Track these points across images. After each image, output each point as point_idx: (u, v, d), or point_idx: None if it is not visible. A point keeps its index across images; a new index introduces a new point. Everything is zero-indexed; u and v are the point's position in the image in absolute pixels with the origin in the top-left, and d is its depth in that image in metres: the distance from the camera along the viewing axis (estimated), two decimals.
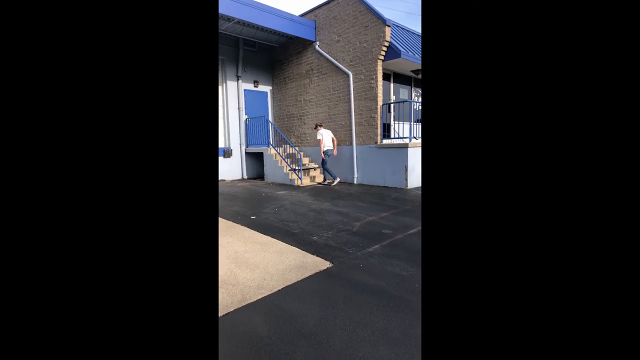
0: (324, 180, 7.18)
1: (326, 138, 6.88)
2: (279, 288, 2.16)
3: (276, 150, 7.66)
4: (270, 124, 8.15)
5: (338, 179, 7.00)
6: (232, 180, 8.23)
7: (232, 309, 1.89)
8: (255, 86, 8.83)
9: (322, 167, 7.00)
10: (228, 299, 2.01)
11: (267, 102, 9.22)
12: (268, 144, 7.91)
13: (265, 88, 9.12)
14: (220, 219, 4.08)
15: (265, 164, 7.96)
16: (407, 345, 1.52)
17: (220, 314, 1.84)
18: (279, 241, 3.15)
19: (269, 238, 3.26)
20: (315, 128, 7.15)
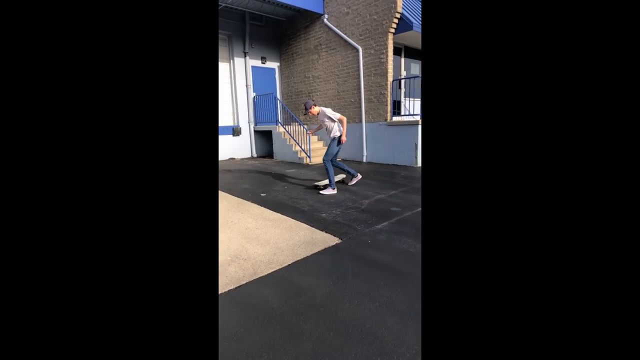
0: (350, 178, 4.78)
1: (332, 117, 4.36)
2: (289, 263, 2.23)
3: (285, 129, 7.62)
4: (278, 101, 8.06)
5: (359, 176, 4.81)
6: (242, 159, 8.29)
7: (244, 282, 1.97)
8: (262, 63, 8.68)
9: (333, 164, 4.47)
10: (240, 273, 2.09)
11: (275, 79, 9.08)
12: (276, 122, 7.86)
13: (273, 64, 8.95)
14: (231, 196, 4.15)
15: (274, 142, 7.96)
16: (412, 317, 1.57)
17: (232, 287, 1.92)
18: (289, 218, 3.21)
19: (279, 215, 3.32)
20: (307, 111, 4.46)
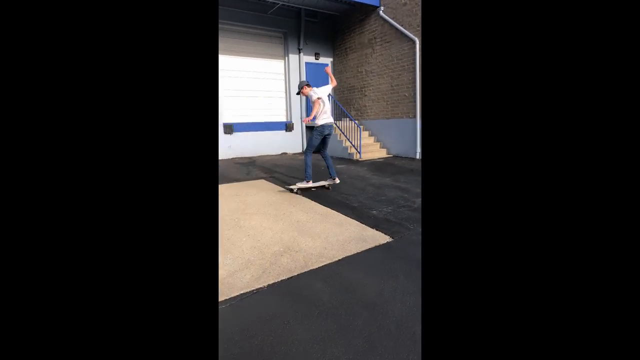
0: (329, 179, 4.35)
1: (325, 103, 4.12)
2: (339, 258, 2.23)
3: (335, 124, 7.64)
4: (330, 96, 8.09)
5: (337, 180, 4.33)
6: (293, 154, 8.51)
7: (295, 274, 2.03)
8: (316, 59, 8.76)
9: (307, 155, 4.19)
10: (292, 264, 2.15)
11: (327, 75, 9.12)
12: None
13: (326, 60, 8.99)
14: (283, 190, 4.28)
15: None
16: None
17: (284, 277, 1.98)
18: (339, 213, 3.21)
19: (329, 210, 3.35)
20: (299, 92, 4.29)
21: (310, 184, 4.17)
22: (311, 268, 2.10)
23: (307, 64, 8.60)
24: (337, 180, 4.31)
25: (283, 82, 8.56)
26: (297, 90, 4.33)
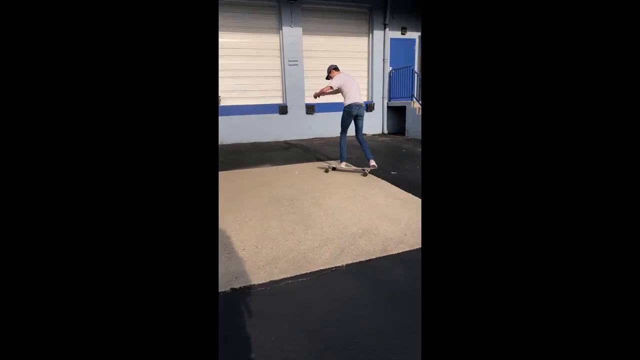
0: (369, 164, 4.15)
1: (350, 85, 4.07)
2: (420, 246, 2.13)
3: (420, 104, 7.16)
4: (416, 74, 7.58)
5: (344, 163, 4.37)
6: (372, 135, 8.33)
7: (374, 257, 2.01)
8: (402, 33, 8.24)
9: (340, 136, 4.43)
10: (370, 247, 2.13)
11: (414, 51, 8.53)
12: (411, 97, 7.46)
13: (414, 35, 8.39)
14: (360, 172, 4.25)
15: (407, 118, 7.63)
16: None
17: (363, 259, 1.98)
18: (421, 200, 3.05)
19: (410, 195, 3.20)
20: (328, 76, 4.32)
21: (343, 165, 4.36)
22: (390, 253, 2.05)
23: (392, 40, 8.15)
24: (372, 162, 4.06)
25: (366, 61, 8.32)
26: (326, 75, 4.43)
